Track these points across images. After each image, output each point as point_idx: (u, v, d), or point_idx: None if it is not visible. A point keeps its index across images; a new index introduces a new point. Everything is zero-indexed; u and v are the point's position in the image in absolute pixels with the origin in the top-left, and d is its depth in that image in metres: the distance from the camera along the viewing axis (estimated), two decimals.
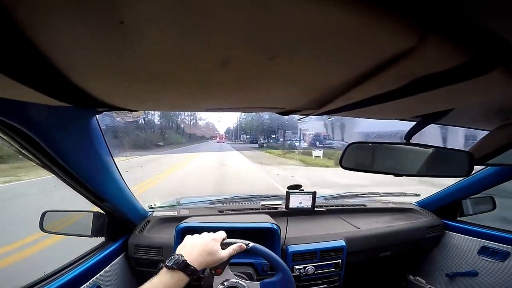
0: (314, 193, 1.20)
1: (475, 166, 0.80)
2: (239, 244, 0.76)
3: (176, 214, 1.34)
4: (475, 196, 1.43)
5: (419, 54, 0.30)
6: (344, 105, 0.58)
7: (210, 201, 1.48)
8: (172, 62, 0.34)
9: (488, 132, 0.79)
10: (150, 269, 1.09)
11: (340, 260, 1.18)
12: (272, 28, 0.25)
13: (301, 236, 1.22)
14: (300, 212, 1.38)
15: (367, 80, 0.39)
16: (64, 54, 0.32)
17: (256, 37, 0.27)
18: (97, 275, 0.93)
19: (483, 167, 1.29)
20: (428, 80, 0.37)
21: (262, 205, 1.44)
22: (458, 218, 1.49)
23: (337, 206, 1.56)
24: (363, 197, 1.70)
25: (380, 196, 1.72)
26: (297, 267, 1.12)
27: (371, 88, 0.44)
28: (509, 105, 0.69)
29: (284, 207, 1.21)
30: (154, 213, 1.33)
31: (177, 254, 0.66)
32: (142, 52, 0.31)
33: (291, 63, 0.35)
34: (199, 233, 0.76)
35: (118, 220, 1.12)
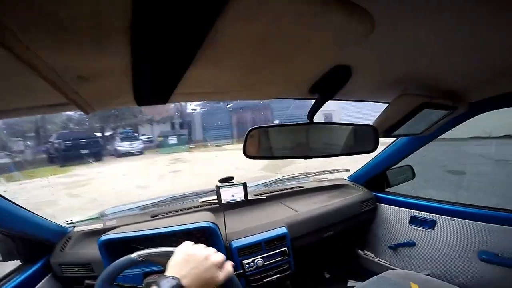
0: (244, 184, 1.15)
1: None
2: (231, 263, 0.65)
3: (101, 226, 1.22)
4: (397, 166, 1.50)
5: None
6: None
7: (139, 207, 1.35)
8: None
9: (388, 104, 0.79)
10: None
11: (286, 248, 1.16)
12: None
13: (243, 229, 1.18)
14: (235, 205, 1.34)
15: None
16: None
17: None
18: None
19: None
20: None
21: (201, 202, 1.37)
22: (386, 190, 1.57)
23: (277, 191, 1.55)
24: (299, 178, 1.71)
25: (315, 175, 1.75)
26: (245, 261, 1.09)
27: None
28: (406, 75, 0.69)
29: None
30: (76, 229, 1.20)
31: (173, 278, 0.54)
32: None
33: None
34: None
35: (29, 241, 1.02)
